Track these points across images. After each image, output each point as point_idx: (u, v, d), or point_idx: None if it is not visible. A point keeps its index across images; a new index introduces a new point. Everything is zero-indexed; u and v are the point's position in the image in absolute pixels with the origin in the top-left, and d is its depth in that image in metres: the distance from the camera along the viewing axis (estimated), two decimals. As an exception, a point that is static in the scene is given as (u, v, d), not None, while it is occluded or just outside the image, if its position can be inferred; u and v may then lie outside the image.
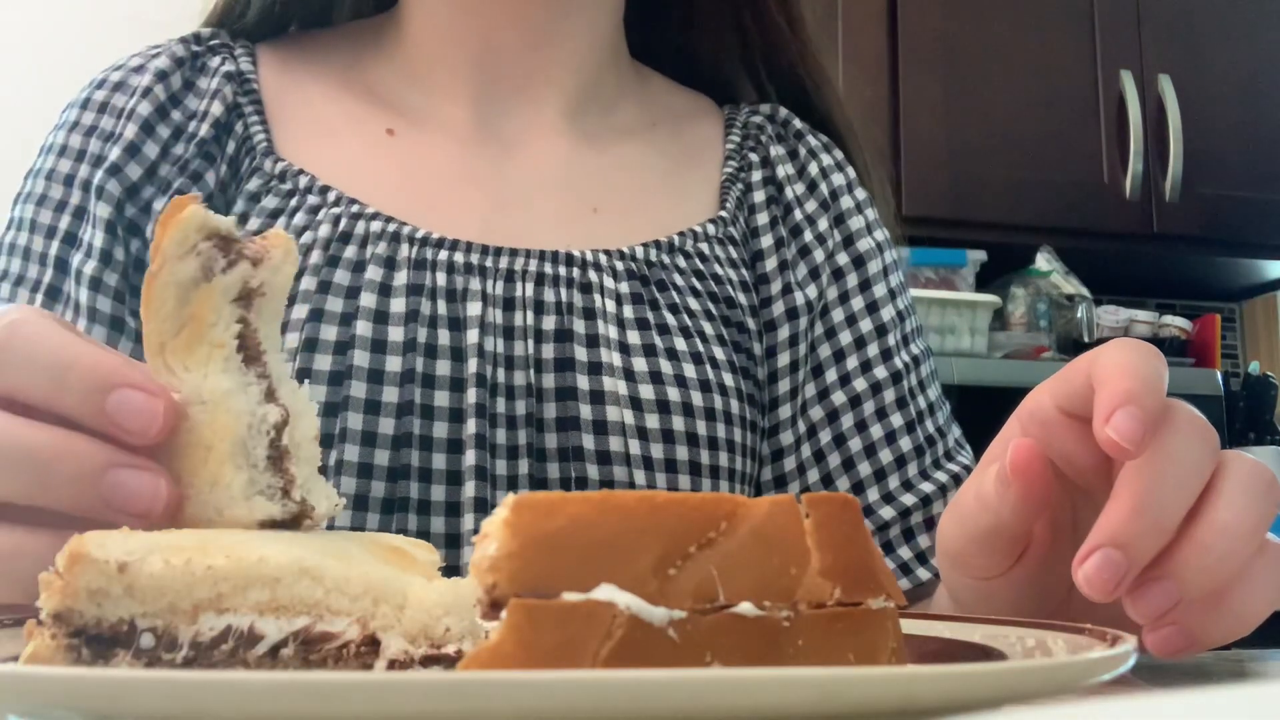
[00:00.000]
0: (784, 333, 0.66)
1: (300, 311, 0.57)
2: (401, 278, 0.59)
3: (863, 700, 0.19)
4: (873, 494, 0.64)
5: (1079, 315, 2.13)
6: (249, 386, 0.32)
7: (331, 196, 0.61)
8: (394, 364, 0.57)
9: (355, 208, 0.61)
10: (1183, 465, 0.36)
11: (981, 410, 1.85)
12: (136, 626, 0.27)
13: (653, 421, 0.59)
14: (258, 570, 0.28)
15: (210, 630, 0.28)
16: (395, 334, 0.58)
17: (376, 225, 0.60)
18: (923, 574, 0.63)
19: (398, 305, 0.58)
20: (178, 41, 0.67)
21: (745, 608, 0.23)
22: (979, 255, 2.07)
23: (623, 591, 0.22)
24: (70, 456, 0.32)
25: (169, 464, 0.32)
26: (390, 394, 0.57)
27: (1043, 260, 2.12)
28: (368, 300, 0.58)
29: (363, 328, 0.57)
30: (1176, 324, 2.18)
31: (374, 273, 0.59)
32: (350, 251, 0.60)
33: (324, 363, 0.57)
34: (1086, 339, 2.12)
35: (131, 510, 0.31)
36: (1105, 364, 0.37)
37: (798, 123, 0.73)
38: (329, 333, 0.57)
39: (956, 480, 0.66)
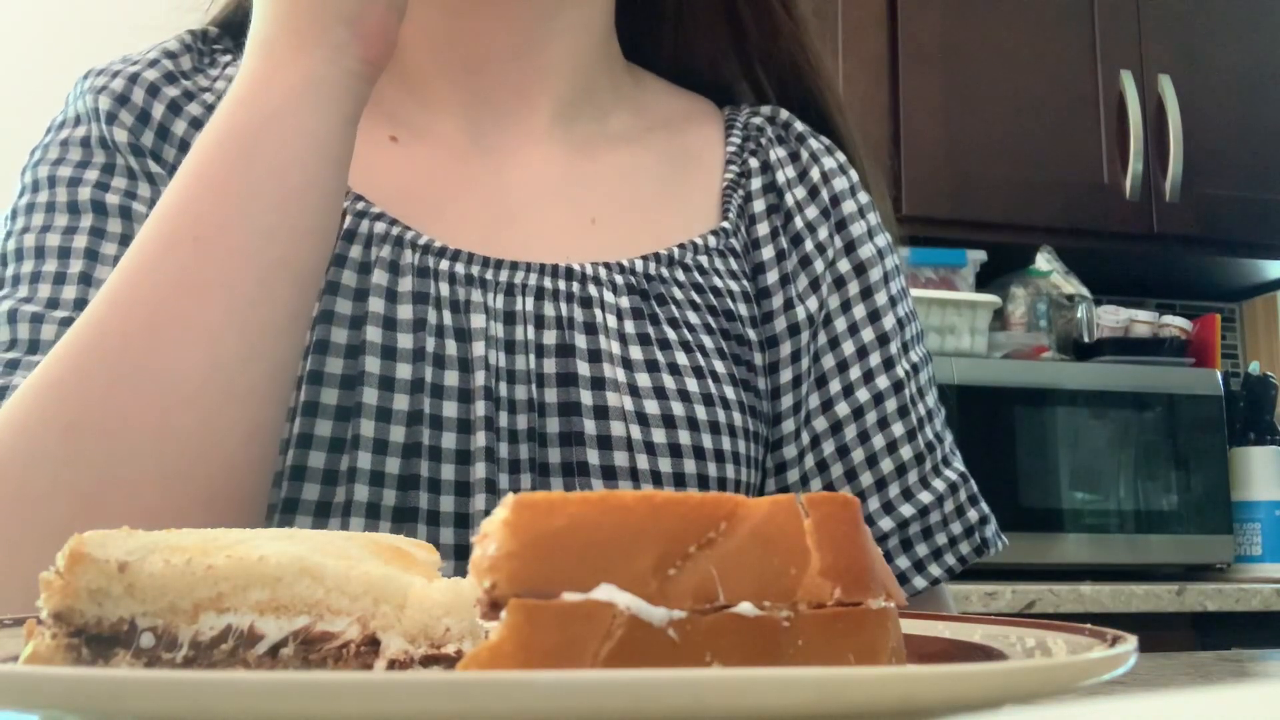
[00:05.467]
0: (786, 349, 0.65)
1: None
2: (406, 284, 0.59)
3: (863, 700, 0.19)
4: (873, 503, 0.64)
5: (1079, 315, 2.13)
6: None
7: None
8: (404, 371, 0.57)
9: (361, 205, 0.61)
10: None
11: (981, 410, 1.85)
12: (136, 626, 0.27)
13: (659, 436, 0.59)
14: (258, 570, 0.28)
15: (210, 630, 0.28)
16: (404, 341, 0.58)
17: (380, 227, 0.60)
18: (919, 583, 0.64)
19: (404, 312, 0.58)
20: (186, 32, 0.67)
21: (745, 608, 0.23)
22: (979, 255, 2.07)
23: (623, 591, 0.22)
24: None
25: None
26: (401, 401, 0.57)
27: (1043, 260, 2.12)
28: (375, 305, 0.58)
29: (372, 333, 0.57)
30: (1176, 324, 2.18)
31: (380, 277, 0.59)
32: (356, 252, 0.59)
33: (335, 366, 0.57)
34: (1086, 339, 2.12)
35: None
36: None
37: (799, 125, 0.72)
38: (340, 335, 0.57)
39: (953, 488, 0.66)
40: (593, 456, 0.58)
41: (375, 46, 0.52)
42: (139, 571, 0.27)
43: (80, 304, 0.57)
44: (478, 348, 0.58)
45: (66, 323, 0.56)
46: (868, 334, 0.66)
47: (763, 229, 0.68)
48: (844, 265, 0.68)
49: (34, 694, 0.18)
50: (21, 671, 0.18)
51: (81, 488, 0.45)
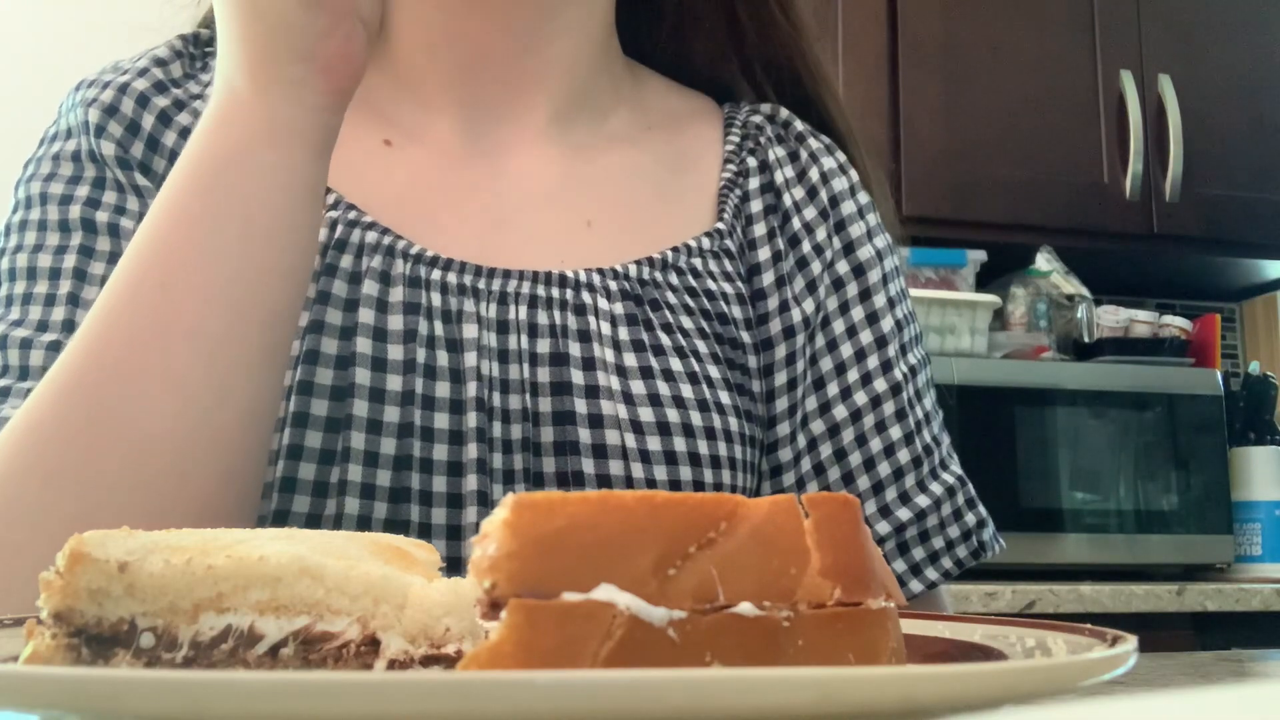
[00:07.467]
0: (781, 351, 0.65)
1: (300, 320, 0.56)
2: (397, 294, 0.58)
3: (863, 700, 0.19)
4: (869, 508, 0.64)
5: (1079, 315, 2.13)
6: None
7: (331, 199, 0.61)
8: (394, 383, 0.57)
9: (353, 214, 0.60)
10: None
11: (981, 410, 1.85)
12: (136, 626, 0.27)
13: (654, 444, 0.58)
14: (258, 570, 0.28)
15: (210, 630, 0.28)
16: (395, 352, 0.57)
17: (372, 236, 0.60)
18: (915, 587, 0.64)
19: (395, 323, 0.58)
20: (177, 37, 0.67)
21: (745, 608, 0.23)
22: (979, 255, 2.07)
23: (622, 591, 0.22)
24: None
25: None
26: (391, 414, 0.56)
27: (1043, 260, 2.12)
28: (366, 316, 0.57)
29: (363, 344, 0.57)
30: (1176, 324, 2.18)
31: (370, 287, 0.58)
32: (346, 261, 0.59)
33: (325, 377, 0.56)
34: (1086, 339, 2.12)
35: None
36: None
37: (799, 124, 0.71)
38: (330, 346, 0.57)
39: (950, 492, 0.65)
40: (588, 466, 0.57)
41: (338, 76, 0.50)
42: (139, 571, 0.27)
43: (68, 325, 0.57)
44: (469, 358, 0.58)
45: (54, 346, 0.56)
46: (866, 336, 0.66)
47: (759, 229, 0.67)
48: (842, 267, 0.67)
49: (34, 694, 0.18)
50: (21, 671, 0.18)
51: (59, 537, 0.45)
